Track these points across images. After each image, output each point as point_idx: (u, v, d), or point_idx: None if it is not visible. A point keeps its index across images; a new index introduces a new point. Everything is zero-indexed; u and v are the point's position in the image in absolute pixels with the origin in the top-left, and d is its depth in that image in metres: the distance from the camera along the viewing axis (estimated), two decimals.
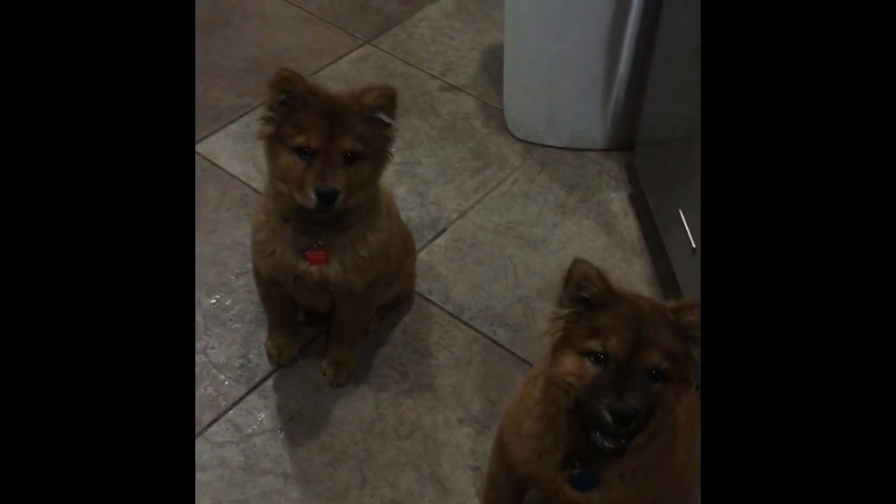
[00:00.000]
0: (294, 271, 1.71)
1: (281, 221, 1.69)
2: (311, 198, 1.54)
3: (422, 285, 2.23)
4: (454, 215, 2.46)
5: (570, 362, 1.32)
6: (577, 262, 1.35)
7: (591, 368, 1.30)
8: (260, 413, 1.93)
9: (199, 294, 2.17)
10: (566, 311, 1.36)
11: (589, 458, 1.40)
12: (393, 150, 1.67)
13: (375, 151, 1.61)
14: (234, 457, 1.84)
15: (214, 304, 2.15)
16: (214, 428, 1.89)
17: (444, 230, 2.41)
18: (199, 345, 2.05)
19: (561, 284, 1.37)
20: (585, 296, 1.33)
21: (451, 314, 2.18)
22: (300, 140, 1.54)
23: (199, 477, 1.80)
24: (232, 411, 1.93)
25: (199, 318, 2.11)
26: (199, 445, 1.85)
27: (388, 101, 1.58)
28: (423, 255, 2.31)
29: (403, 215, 2.32)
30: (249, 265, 2.13)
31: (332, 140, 1.53)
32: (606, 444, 1.29)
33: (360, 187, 1.60)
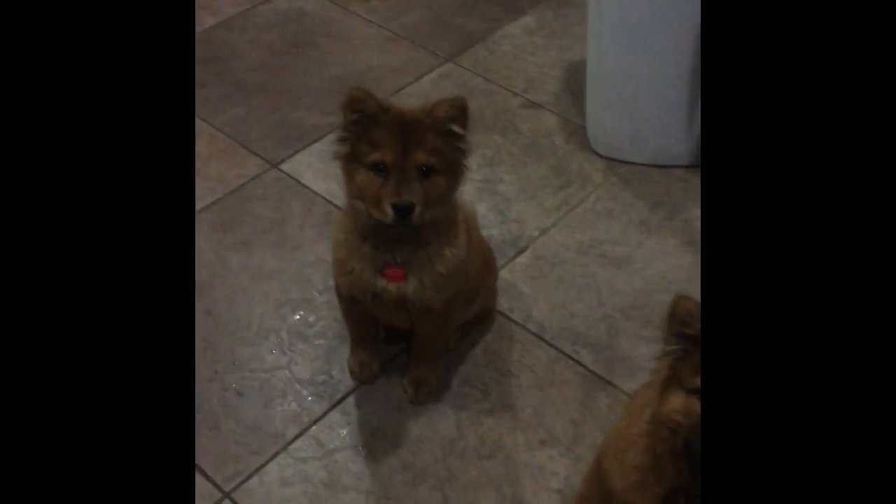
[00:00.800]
0: (373, 288, 1.72)
1: (359, 239, 1.70)
2: (388, 212, 1.56)
3: (503, 304, 2.22)
4: (536, 233, 2.44)
5: (677, 401, 1.29)
6: (679, 299, 1.31)
7: (697, 407, 1.26)
8: (342, 429, 1.94)
9: (284, 310, 2.21)
10: (671, 347, 1.32)
11: (691, 498, 1.36)
12: (468, 162, 1.68)
13: (450, 165, 1.62)
14: (317, 472, 1.86)
15: (298, 320, 2.18)
16: (298, 443, 1.91)
17: (525, 248, 2.39)
18: (282, 360, 2.09)
19: (665, 321, 1.33)
20: (690, 332, 1.29)
21: (533, 333, 2.16)
22: (375, 157, 1.56)
23: (284, 492, 1.82)
24: (315, 427, 1.95)
25: (283, 334, 2.15)
26: (283, 460, 1.88)
27: (460, 112, 1.59)
28: (504, 274, 2.30)
29: (484, 233, 2.31)
30: (332, 282, 2.16)
31: (406, 155, 1.55)
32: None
33: (436, 201, 1.61)
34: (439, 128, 1.59)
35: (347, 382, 2.04)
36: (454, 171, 1.65)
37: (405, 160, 1.56)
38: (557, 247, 2.40)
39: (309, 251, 2.37)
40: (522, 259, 2.36)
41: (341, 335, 2.13)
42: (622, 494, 1.47)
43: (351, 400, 2.01)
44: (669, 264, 2.34)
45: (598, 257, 2.36)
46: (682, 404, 1.28)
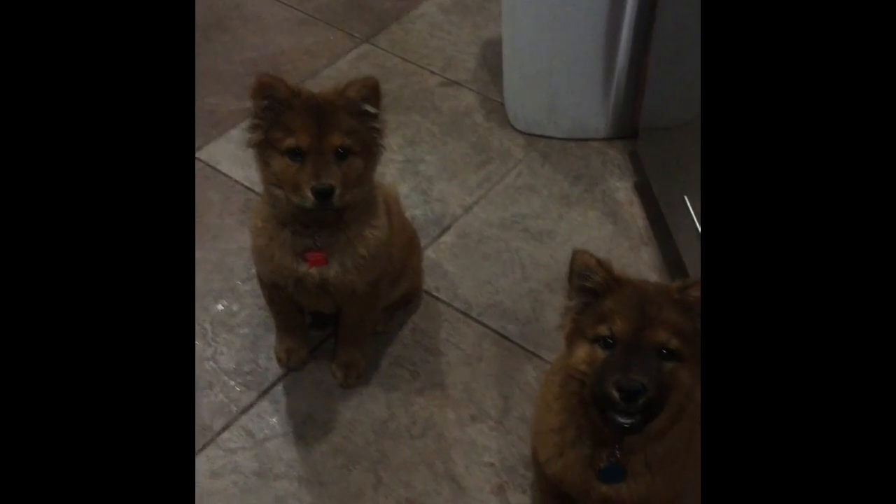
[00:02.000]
0: (295, 274, 1.70)
1: (279, 226, 1.68)
2: (309, 197, 1.54)
3: (429, 283, 2.22)
4: (459, 211, 2.44)
5: (581, 351, 1.33)
6: (576, 253, 1.36)
7: (600, 353, 1.30)
8: (272, 418, 1.92)
9: (206, 300, 2.16)
10: (573, 302, 1.37)
11: (613, 446, 1.39)
12: (384, 141, 1.67)
13: (366, 145, 1.61)
14: (248, 462, 1.84)
15: (222, 310, 2.15)
16: (227, 434, 1.89)
17: (449, 227, 2.40)
18: (207, 351, 2.05)
19: (567, 278, 1.38)
20: (589, 285, 1.34)
21: (459, 311, 2.17)
22: (289, 142, 1.55)
23: (213, 484, 1.80)
24: (244, 417, 1.92)
25: (206, 325, 2.11)
26: (212, 452, 1.85)
27: (372, 91, 1.58)
28: (429, 253, 2.30)
29: (408, 214, 2.30)
30: (254, 270, 2.13)
31: (321, 138, 1.54)
32: (621, 419, 1.28)
33: (355, 182, 1.60)
34: (353, 109, 1.58)
35: (275, 370, 2.02)
36: (370, 151, 1.64)
37: (321, 144, 1.54)
38: (481, 224, 2.41)
39: (230, 240, 2.33)
40: (447, 238, 2.36)
41: (266, 323, 2.10)
42: (548, 466, 1.50)
43: (279, 388, 1.99)
44: (591, 235, 2.38)
45: (521, 232, 2.38)
46: (586, 353, 1.32)
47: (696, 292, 1.30)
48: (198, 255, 2.27)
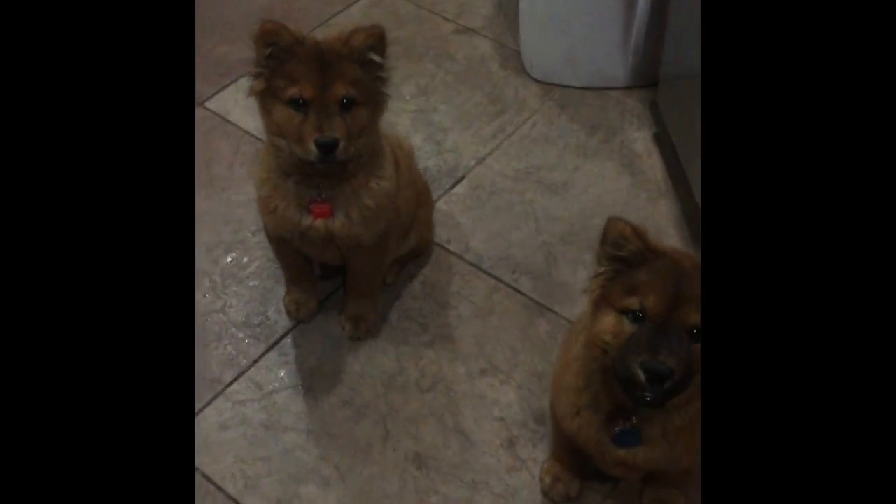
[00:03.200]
0: (299, 227, 1.67)
1: (282, 177, 1.65)
2: (312, 150, 1.51)
3: (440, 235, 2.19)
4: (472, 162, 2.39)
5: (607, 321, 1.28)
6: (611, 221, 1.29)
7: (628, 327, 1.26)
8: (280, 370, 1.91)
9: (216, 253, 2.14)
10: (604, 269, 1.31)
11: (630, 413, 1.37)
12: (390, 91, 1.62)
13: (371, 95, 1.56)
14: (256, 414, 1.83)
15: (231, 262, 2.13)
16: (235, 386, 1.88)
17: (462, 178, 2.35)
18: (217, 304, 2.04)
19: (598, 243, 1.32)
20: (622, 254, 1.28)
21: (471, 263, 2.13)
22: (292, 92, 1.50)
23: (222, 435, 1.79)
24: (252, 369, 1.91)
25: (216, 277, 2.09)
26: (221, 404, 1.85)
27: (378, 40, 1.53)
28: (441, 205, 2.26)
29: (420, 165, 2.26)
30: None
31: (325, 88, 1.49)
32: (646, 394, 1.24)
33: (359, 134, 1.56)
34: (358, 57, 1.52)
35: (284, 323, 2.00)
36: (376, 101, 1.59)
37: (325, 94, 1.50)
38: (494, 175, 2.36)
39: (239, 191, 2.30)
40: (459, 189, 2.32)
41: (276, 275, 2.08)
42: (563, 422, 1.48)
43: (288, 340, 1.97)
44: (607, 188, 2.32)
45: (536, 184, 2.33)
46: (612, 324, 1.28)
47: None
48: (206, 206, 2.24)
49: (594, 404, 1.41)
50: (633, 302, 1.24)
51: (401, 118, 2.50)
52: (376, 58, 1.54)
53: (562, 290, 2.06)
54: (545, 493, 1.71)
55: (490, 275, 2.11)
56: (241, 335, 1.98)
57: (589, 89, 2.60)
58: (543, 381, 1.86)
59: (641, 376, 1.21)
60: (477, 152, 2.42)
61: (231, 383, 1.89)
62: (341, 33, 1.54)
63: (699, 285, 1.21)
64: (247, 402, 1.86)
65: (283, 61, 1.51)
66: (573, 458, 1.66)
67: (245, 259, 2.14)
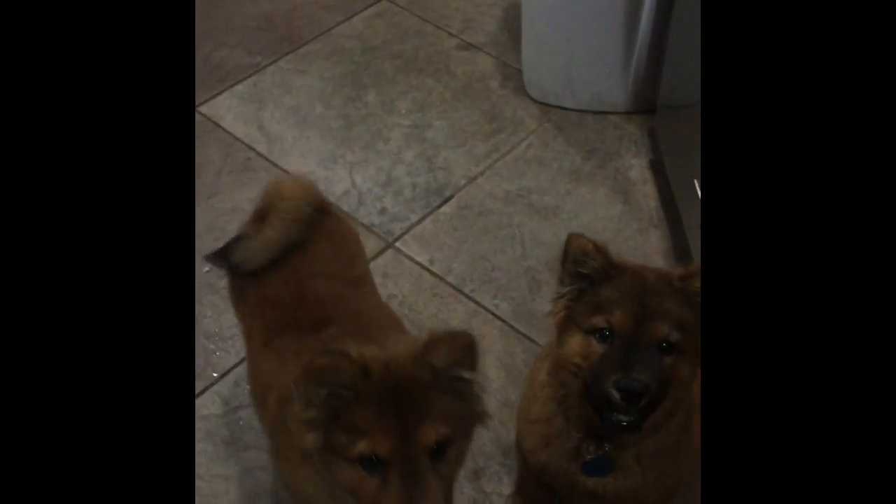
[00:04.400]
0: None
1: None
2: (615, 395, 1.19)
3: (423, 255, 2.15)
4: (463, 181, 2.35)
5: (575, 342, 1.25)
6: (571, 237, 1.27)
7: (596, 347, 1.23)
8: (248, 385, 1.88)
9: (196, 259, 2.11)
10: (567, 289, 1.28)
11: (603, 440, 1.33)
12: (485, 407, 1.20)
13: (466, 424, 1.15)
14: (219, 430, 1.80)
15: (209, 271, 2.10)
16: (201, 399, 1.85)
17: (450, 197, 2.31)
18: None
19: (560, 261, 1.29)
20: (585, 271, 1.25)
21: (451, 286, 2.09)
22: (362, 448, 1.07)
23: None
24: (220, 383, 1.88)
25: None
26: None
27: (466, 353, 1.13)
28: (427, 224, 2.23)
29: (409, 181, 2.24)
30: None
31: (407, 436, 1.07)
32: (621, 419, 1.21)
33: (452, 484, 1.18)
34: (444, 382, 1.11)
35: None
36: (470, 429, 1.17)
37: (408, 444, 1.07)
38: (484, 196, 2.32)
39: (225, 199, 2.28)
40: (447, 209, 2.28)
41: None
42: (533, 456, 1.43)
43: None
44: (598, 214, 2.27)
45: (526, 207, 2.29)
46: (580, 345, 1.25)
47: (698, 282, 1.21)
48: None
49: (564, 433, 1.36)
50: (599, 320, 1.22)
51: (394, 133, 2.47)
52: (467, 374, 1.13)
53: (543, 319, 2.01)
54: None
55: (470, 298, 2.06)
56: (211, 346, 1.95)
57: (588, 112, 2.55)
58: (515, 413, 1.81)
59: (616, 396, 1.18)
60: (468, 171, 2.38)
61: (198, 396, 1.86)
62: (413, 347, 1.11)
63: (665, 298, 1.20)
64: (211, 416, 1.83)
65: (343, 405, 1.08)
66: (538, 492, 1.61)
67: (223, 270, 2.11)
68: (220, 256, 1.48)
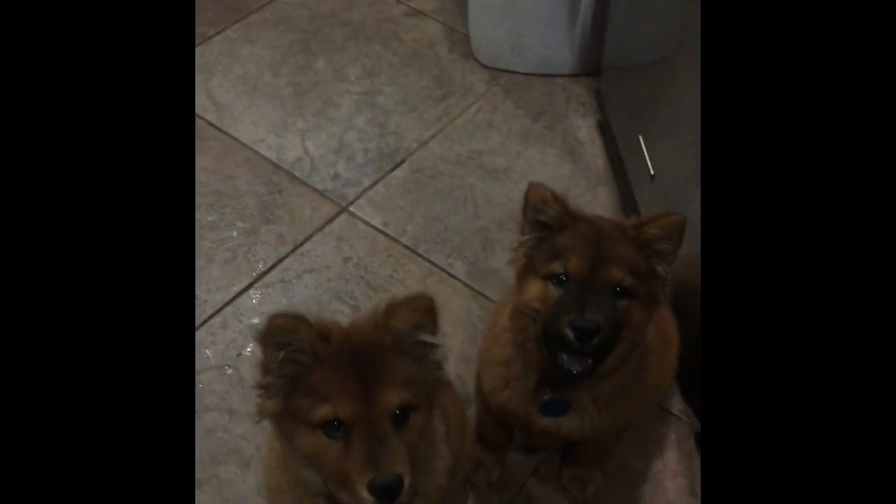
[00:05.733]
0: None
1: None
2: (365, 498, 1.05)
3: (377, 218, 2.17)
4: (414, 146, 2.38)
5: (534, 288, 1.31)
6: (532, 186, 1.32)
7: (553, 291, 1.28)
8: (207, 349, 1.89)
9: None
10: (526, 237, 1.34)
11: (559, 384, 1.38)
12: (445, 372, 1.20)
13: (429, 390, 1.14)
14: None
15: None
16: None
17: (402, 161, 2.33)
18: None
19: (520, 211, 1.34)
20: (544, 219, 1.31)
21: (406, 247, 2.12)
22: (324, 412, 1.05)
23: None
24: None
25: None
26: None
27: (426, 315, 1.12)
28: (380, 188, 2.25)
29: (361, 146, 2.26)
30: (200, 201, 2.09)
31: (369, 400, 1.06)
32: (574, 367, 1.27)
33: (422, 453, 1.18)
34: (404, 346, 1.11)
35: (213, 302, 1.98)
36: (433, 396, 1.16)
37: (370, 407, 1.06)
38: (435, 159, 2.35)
39: (203, 155, 2.26)
40: (399, 172, 2.30)
41: (208, 254, 2.06)
42: (493, 396, 1.47)
43: (216, 320, 1.95)
44: (548, 174, 2.32)
45: (477, 169, 2.33)
46: (538, 290, 1.30)
47: (651, 230, 1.27)
48: None
49: (522, 375, 1.41)
50: (556, 266, 1.27)
51: (344, 99, 2.48)
52: (428, 338, 1.13)
53: (496, 276, 2.06)
54: (466, 478, 1.71)
55: (425, 258, 2.10)
56: None
57: (535, 76, 2.59)
58: (473, 367, 1.86)
59: (570, 335, 1.23)
60: (419, 136, 2.41)
61: None
62: (374, 315, 1.11)
63: (619, 244, 1.26)
64: None
65: (304, 370, 1.07)
66: (496, 434, 1.66)
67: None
68: None
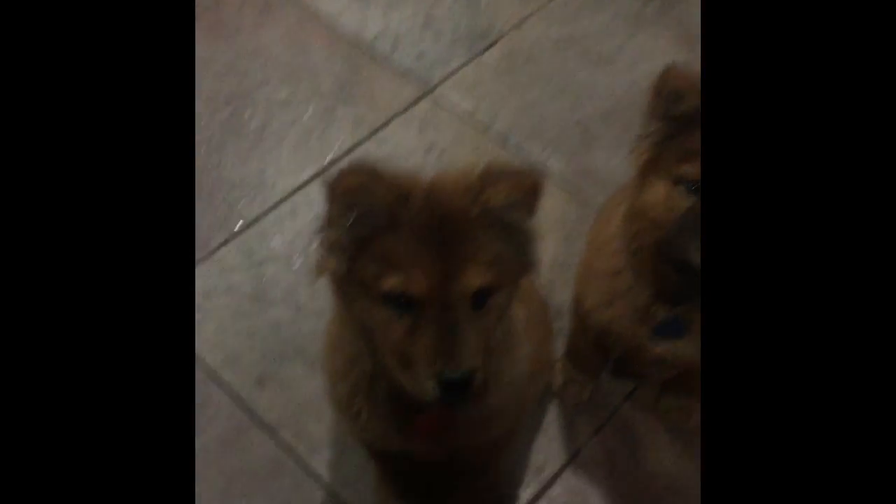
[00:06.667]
0: (398, 444, 1.22)
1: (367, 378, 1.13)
2: (429, 388, 0.94)
3: (465, 104, 1.95)
4: (509, 25, 2.12)
5: (658, 192, 1.10)
6: (668, 70, 1.09)
7: (683, 199, 1.07)
8: (272, 239, 1.73)
9: (215, 104, 1.93)
10: (654, 129, 1.11)
11: (679, 300, 1.17)
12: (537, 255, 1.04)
13: (514, 273, 1.00)
14: (244, 284, 1.66)
15: (230, 115, 1.91)
16: (223, 251, 1.71)
17: (495, 42, 2.09)
18: (212, 159, 1.84)
19: (650, 97, 1.11)
20: (677, 113, 1.07)
21: (496, 137, 1.90)
22: (393, 283, 0.91)
23: (205, 303, 1.63)
24: (244, 235, 1.73)
25: (214, 131, 1.88)
26: (206, 269, 1.68)
27: (528, 194, 0.97)
28: (468, 70, 2.01)
29: (450, 23, 2.02)
30: (271, 75, 1.91)
31: (447, 278, 0.93)
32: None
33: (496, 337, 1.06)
34: (495, 222, 0.94)
35: (284, 186, 1.80)
36: (517, 278, 1.01)
37: (448, 286, 0.92)
38: (532, 41, 2.09)
39: (247, 39, 2.07)
40: (492, 54, 2.06)
41: (278, 134, 1.87)
42: (594, 316, 1.27)
43: (286, 206, 1.78)
44: (659, 64, 2.01)
45: (578, 54, 2.06)
46: (664, 195, 1.09)
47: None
48: (207, 54, 2.01)
49: (632, 290, 1.21)
50: (689, 170, 1.05)
51: None
52: (521, 220, 0.97)
53: (595, 176, 1.83)
54: (555, 394, 1.53)
55: (516, 151, 1.87)
56: (235, 194, 1.79)
57: None
58: (566, 273, 1.66)
59: (698, 260, 1.03)
60: (516, 14, 2.14)
61: (219, 248, 1.71)
62: (464, 178, 0.95)
63: None
64: (234, 269, 1.68)
65: (375, 232, 0.92)
66: (592, 356, 1.47)
67: (247, 114, 1.92)
68: None
